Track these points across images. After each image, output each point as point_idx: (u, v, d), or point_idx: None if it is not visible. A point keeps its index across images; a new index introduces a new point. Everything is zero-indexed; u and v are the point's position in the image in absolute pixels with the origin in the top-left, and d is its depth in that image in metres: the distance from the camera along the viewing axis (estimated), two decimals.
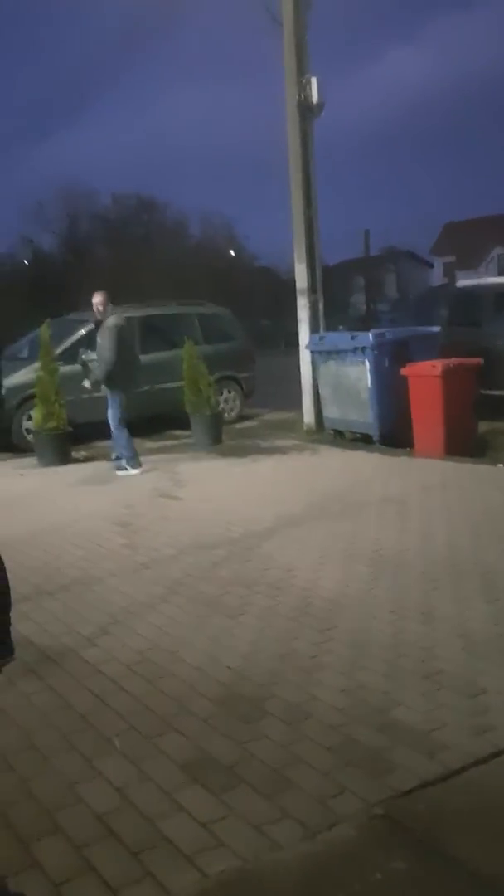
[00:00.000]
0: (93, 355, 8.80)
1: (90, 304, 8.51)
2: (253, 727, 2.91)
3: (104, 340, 8.21)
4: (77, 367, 9.54)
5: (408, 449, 8.38)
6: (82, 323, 10.75)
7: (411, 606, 3.99)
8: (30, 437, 9.65)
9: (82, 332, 10.62)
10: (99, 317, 8.41)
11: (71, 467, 8.87)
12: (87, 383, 8.79)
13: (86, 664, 3.56)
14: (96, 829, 2.38)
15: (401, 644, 3.54)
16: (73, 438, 9.32)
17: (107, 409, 8.43)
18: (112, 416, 8.35)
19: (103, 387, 8.43)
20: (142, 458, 8.49)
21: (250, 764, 2.67)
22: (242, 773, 2.62)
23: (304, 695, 3.13)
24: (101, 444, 9.23)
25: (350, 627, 3.77)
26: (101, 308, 8.35)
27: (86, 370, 8.78)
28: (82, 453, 9.49)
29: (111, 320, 8.32)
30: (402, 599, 4.09)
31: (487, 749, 2.67)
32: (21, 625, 3.78)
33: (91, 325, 9.34)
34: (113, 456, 8.64)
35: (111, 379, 8.26)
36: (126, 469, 8.29)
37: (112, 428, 8.39)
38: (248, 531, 5.59)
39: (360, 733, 2.82)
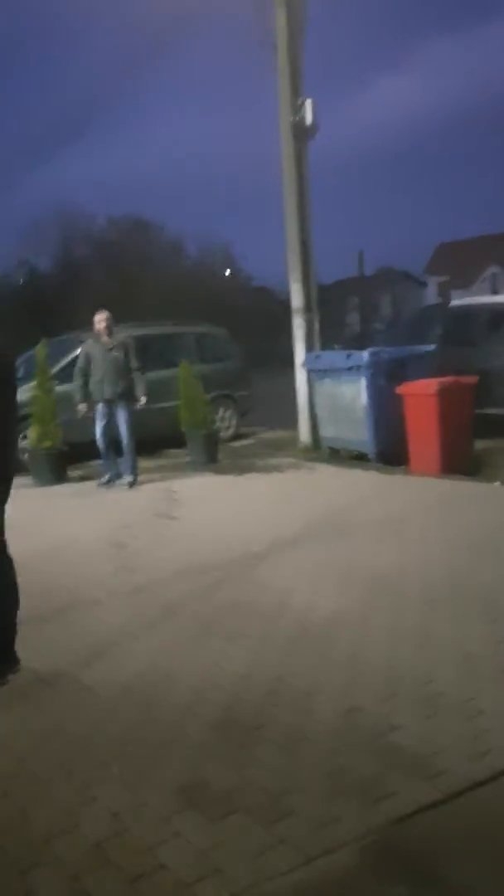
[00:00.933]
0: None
1: (86, 325, 8.56)
2: (249, 752, 2.88)
3: (128, 355, 8.46)
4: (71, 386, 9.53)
5: (404, 467, 8.38)
6: (78, 343, 10.75)
7: (408, 628, 3.97)
8: (25, 456, 9.63)
9: (77, 352, 10.61)
10: (104, 336, 8.46)
11: (66, 487, 8.86)
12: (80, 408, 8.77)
13: (81, 688, 3.54)
14: (92, 857, 2.36)
15: (398, 666, 3.53)
16: (69, 458, 9.31)
17: (118, 425, 8.50)
18: (129, 428, 8.47)
19: (118, 401, 8.47)
20: (138, 478, 8.58)
21: (246, 790, 2.65)
22: (238, 800, 2.59)
23: (301, 719, 3.11)
24: (96, 463, 9.21)
25: (347, 650, 3.75)
26: (108, 325, 8.49)
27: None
28: (77, 473, 9.47)
29: (124, 336, 8.62)
30: (400, 620, 4.07)
31: (486, 772, 2.65)
32: (17, 648, 3.75)
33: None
34: (104, 478, 8.64)
35: (132, 392, 8.44)
36: (134, 482, 8.45)
37: (127, 440, 8.50)
38: (245, 552, 5.57)
39: (357, 758, 2.80)
